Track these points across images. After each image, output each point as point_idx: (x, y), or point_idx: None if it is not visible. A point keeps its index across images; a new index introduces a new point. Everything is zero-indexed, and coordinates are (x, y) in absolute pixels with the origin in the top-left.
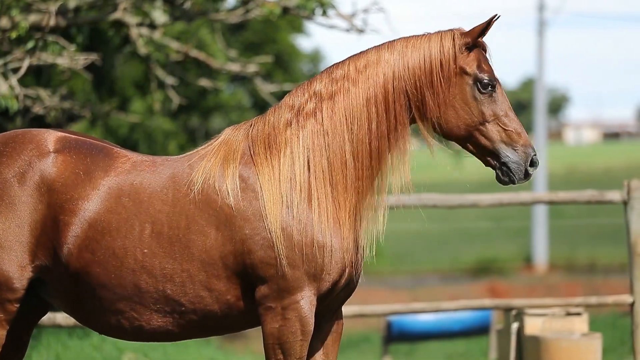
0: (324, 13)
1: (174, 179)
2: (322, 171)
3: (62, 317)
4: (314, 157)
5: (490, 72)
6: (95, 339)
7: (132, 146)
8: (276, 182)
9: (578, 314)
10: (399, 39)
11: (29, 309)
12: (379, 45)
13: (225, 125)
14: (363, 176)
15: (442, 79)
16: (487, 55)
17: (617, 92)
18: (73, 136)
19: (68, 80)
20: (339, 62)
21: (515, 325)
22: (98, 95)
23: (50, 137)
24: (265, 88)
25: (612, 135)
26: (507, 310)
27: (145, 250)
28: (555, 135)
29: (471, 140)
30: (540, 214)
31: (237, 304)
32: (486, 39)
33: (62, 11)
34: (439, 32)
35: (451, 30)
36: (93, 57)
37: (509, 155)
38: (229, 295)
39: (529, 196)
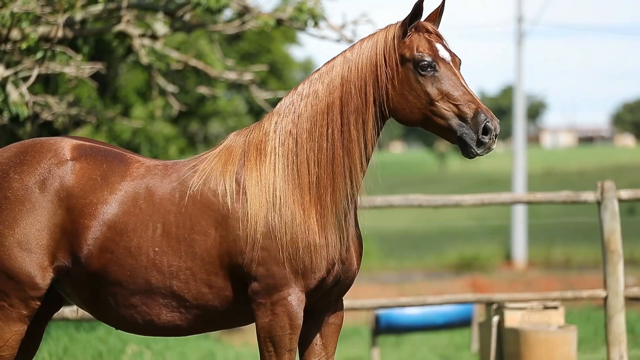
0: (316, 24)
1: (181, 182)
2: (293, 177)
3: (69, 311)
4: (288, 163)
5: (431, 51)
6: (101, 332)
7: (134, 150)
8: (262, 186)
9: (555, 307)
10: (361, 39)
11: (45, 304)
12: (350, 46)
13: (222, 130)
14: (327, 181)
15: (387, 72)
16: (431, 37)
17: (592, 98)
18: (88, 143)
19: (74, 88)
20: (321, 65)
21: (495, 318)
22: (103, 102)
23: (67, 145)
24: (260, 95)
25: (586, 140)
26: (488, 304)
27: (157, 249)
28: (534, 139)
29: (428, 122)
30: (520, 213)
31: (235, 299)
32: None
33: (69, 23)
34: (388, 25)
35: (398, 22)
36: (98, 66)
37: (462, 128)
38: (227, 292)
39: (509, 197)
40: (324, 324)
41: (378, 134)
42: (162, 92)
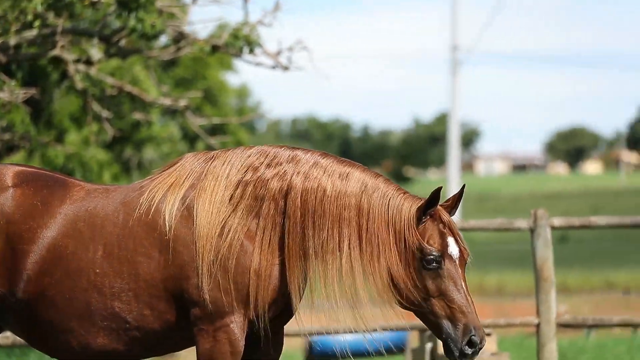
0: (251, 51)
1: (125, 203)
2: (248, 211)
3: (1, 337)
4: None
5: (441, 246)
6: (33, 358)
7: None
8: (213, 214)
9: (488, 334)
10: (382, 183)
11: None
12: (365, 170)
13: (156, 156)
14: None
15: (399, 251)
16: (444, 229)
17: (526, 127)
18: (30, 170)
19: (8, 113)
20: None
21: (429, 345)
22: (36, 128)
23: (9, 172)
24: (195, 121)
25: (520, 167)
26: (422, 331)
27: (98, 270)
28: (468, 166)
29: (420, 312)
30: None
31: (176, 323)
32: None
33: (3, 48)
34: (410, 199)
35: (408, 196)
36: (32, 91)
37: (450, 332)
38: (169, 315)
39: None
40: (264, 354)
41: None
42: (97, 118)
